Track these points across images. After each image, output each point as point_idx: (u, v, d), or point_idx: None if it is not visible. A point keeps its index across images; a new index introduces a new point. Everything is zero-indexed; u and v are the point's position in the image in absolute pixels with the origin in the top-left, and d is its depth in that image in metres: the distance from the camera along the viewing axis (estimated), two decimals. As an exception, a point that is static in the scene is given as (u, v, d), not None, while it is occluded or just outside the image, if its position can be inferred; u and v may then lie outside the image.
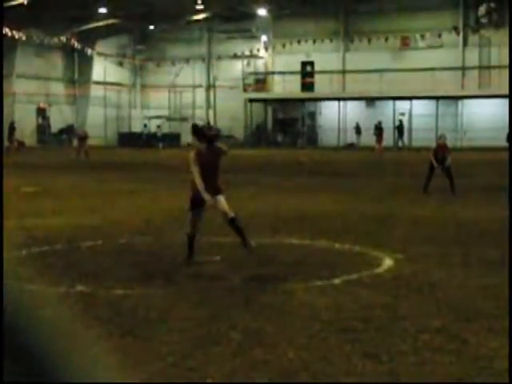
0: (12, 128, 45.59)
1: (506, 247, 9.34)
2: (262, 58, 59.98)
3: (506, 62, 47.47)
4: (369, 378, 4.98)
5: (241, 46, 58.95)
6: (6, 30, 47.44)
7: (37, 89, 55.78)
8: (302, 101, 57.54)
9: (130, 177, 24.59)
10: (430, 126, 50.67)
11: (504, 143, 42.46)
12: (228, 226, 9.32)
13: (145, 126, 57.09)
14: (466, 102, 53.68)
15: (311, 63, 57.30)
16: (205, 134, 9.36)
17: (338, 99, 55.52)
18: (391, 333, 6.00)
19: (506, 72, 45.02)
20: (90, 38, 57.17)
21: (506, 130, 43.70)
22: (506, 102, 46.57)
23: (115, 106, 62.47)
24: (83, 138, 37.33)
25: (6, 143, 40.34)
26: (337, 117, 55.03)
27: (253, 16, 57.38)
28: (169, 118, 61.31)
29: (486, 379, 4.97)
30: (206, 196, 8.86)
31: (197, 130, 9.52)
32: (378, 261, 9.23)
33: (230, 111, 58.16)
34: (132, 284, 7.95)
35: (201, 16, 57.70)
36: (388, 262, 9.12)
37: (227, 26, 59.18)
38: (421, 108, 53.45)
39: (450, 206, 15.69)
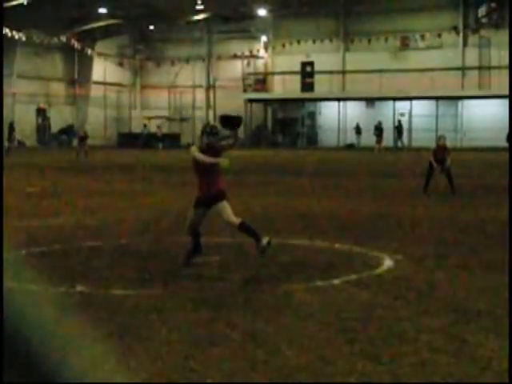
0: (12, 128, 45.60)
1: (506, 248, 9.35)
2: (261, 58, 59.98)
3: (506, 62, 47.43)
4: (369, 378, 4.97)
5: (241, 46, 58.95)
6: (6, 30, 47.46)
7: (37, 89, 55.79)
8: (302, 101, 57.54)
9: (130, 177, 24.60)
10: (429, 127, 50.67)
11: (504, 144, 42.50)
12: (237, 231, 9.12)
13: (145, 126, 57.04)
14: (466, 102, 53.65)
15: (311, 63, 57.28)
16: (233, 119, 9.31)
17: (338, 99, 55.51)
18: (391, 333, 5.99)
19: (506, 72, 45.01)
20: (89, 38, 57.21)
21: (506, 131, 43.72)
22: (505, 102, 46.58)
23: (115, 106, 62.47)
24: (83, 138, 37.37)
25: (5, 143, 40.34)
26: (337, 117, 55.02)
27: (253, 16, 57.36)
28: (169, 119, 61.28)
29: (486, 380, 4.97)
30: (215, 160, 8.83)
31: (227, 119, 9.41)
32: (377, 261, 9.23)
33: (229, 111, 58.03)
34: (132, 284, 7.95)
35: (201, 16, 57.70)
36: (388, 263, 9.11)
37: (227, 26, 59.14)
38: (421, 108, 53.42)
39: (449, 207, 15.70)
